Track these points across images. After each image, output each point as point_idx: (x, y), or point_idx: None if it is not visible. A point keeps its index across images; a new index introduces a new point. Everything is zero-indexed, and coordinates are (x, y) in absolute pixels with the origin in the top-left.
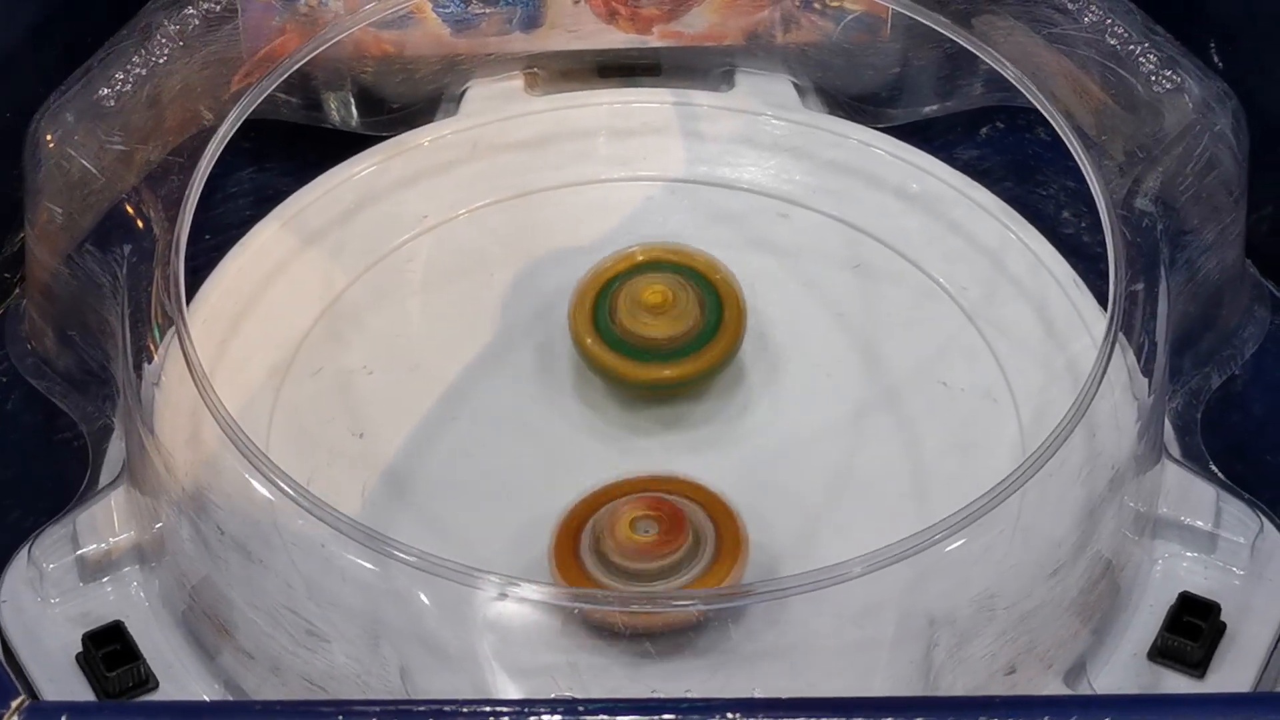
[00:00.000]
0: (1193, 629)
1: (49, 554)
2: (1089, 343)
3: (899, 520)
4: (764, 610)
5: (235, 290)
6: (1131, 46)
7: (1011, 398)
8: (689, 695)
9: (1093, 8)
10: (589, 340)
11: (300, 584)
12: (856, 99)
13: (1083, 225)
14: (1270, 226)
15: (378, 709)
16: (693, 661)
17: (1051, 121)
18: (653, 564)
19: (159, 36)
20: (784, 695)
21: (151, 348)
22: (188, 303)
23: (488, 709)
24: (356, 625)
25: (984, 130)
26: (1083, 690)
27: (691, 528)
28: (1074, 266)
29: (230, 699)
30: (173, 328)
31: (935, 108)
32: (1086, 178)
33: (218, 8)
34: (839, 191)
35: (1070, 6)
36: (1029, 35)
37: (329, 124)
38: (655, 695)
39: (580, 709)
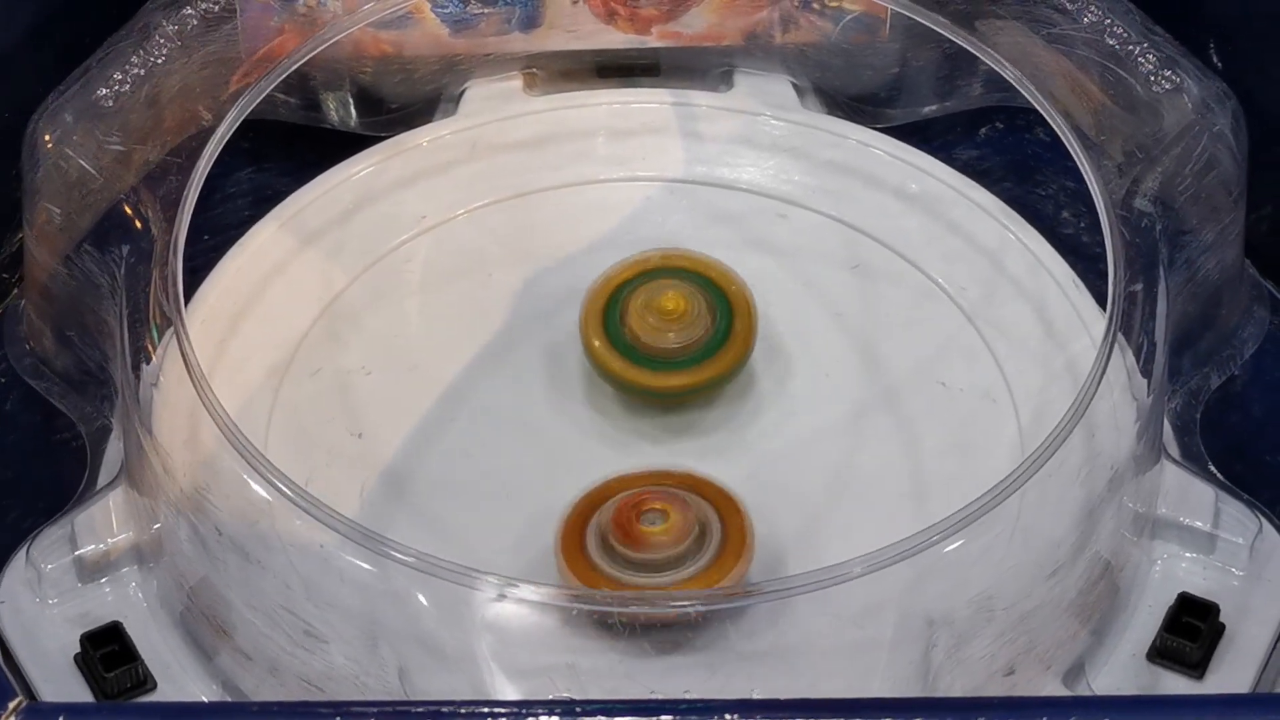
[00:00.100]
0: (1191, 630)
1: (47, 554)
2: (1088, 343)
3: (898, 520)
4: (763, 610)
5: (234, 290)
6: (1131, 47)
7: (1010, 398)
8: (687, 696)
9: (1092, 8)
10: (597, 343)
11: (298, 585)
12: (855, 99)
13: (1082, 225)
14: (1269, 226)
15: (375, 710)
16: (691, 662)
17: (1050, 122)
18: (659, 555)
19: (157, 37)
20: (782, 696)
21: (150, 348)
22: (186, 303)
23: (485, 710)
24: (354, 626)
25: (983, 130)
26: (1081, 691)
27: (698, 520)
28: (1073, 267)
29: (228, 700)
30: (171, 328)
31: (934, 108)
32: (1085, 178)
33: (216, 8)
34: (838, 192)
35: (1069, 7)
36: (1028, 35)
37: (327, 124)
38: (653, 696)
39: (578, 710)
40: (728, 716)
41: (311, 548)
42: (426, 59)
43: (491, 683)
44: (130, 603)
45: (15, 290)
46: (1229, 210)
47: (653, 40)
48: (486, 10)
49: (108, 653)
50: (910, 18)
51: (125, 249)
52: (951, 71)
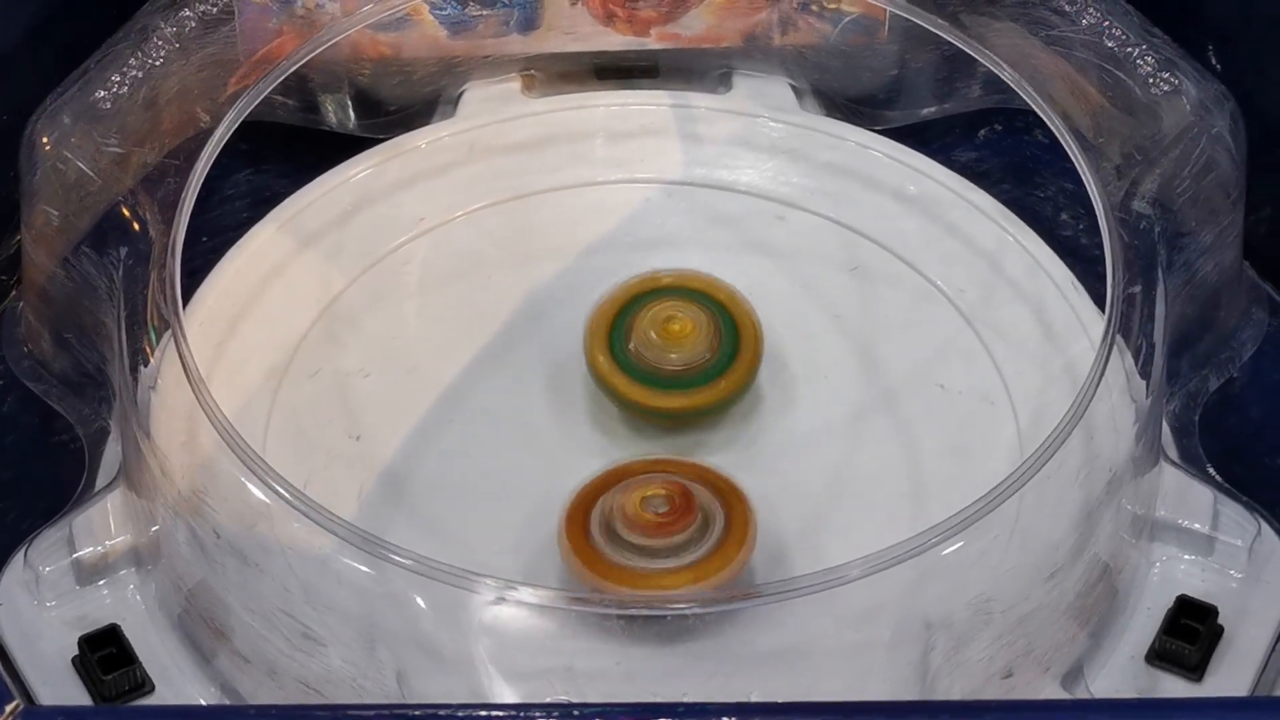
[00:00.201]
0: (1190, 632)
1: (45, 556)
2: (1087, 345)
3: (897, 522)
4: (761, 613)
5: (232, 292)
6: (1129, 49)
7: (1009, 400)
8: (685, 699)
9: (1090, 10)
10: (601, 364)
11: (296, 587)
12: (854, 101)
13: (1081, 227)
14: (1268, 228)
15: (373, 713)
16: (689, 664)
17: (1049, 124)
18: (662, 541)
19: (155, 39)
20: (781, 698)
21: (147, 350)
22: (184, 305)
23: (483, 713)
24: (352, 629)
25: (982, 132)
26: (1080, 694)
27: (702, 508)
28: (1072, 269)
29: (226, 703)
30: (169, 330)
31: (933, 110)
32: (1084, 180)
33: (214, 10)
34: (836, 194)
35: (1068, 9)
36: (1026, 37)
37: (326, 126)
38: (651, 699)
39: (575, 713)
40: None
41: (310, 550)
42: (425, 61)
43: (489, 685)
44: (128, 605)
45: (13, 292)
46: (1227, 212)
47: (651, 42)
48: (485, 12)
49: (106, 655)
50: (909, 20)
51: (123, 251)
52: (950, 73)
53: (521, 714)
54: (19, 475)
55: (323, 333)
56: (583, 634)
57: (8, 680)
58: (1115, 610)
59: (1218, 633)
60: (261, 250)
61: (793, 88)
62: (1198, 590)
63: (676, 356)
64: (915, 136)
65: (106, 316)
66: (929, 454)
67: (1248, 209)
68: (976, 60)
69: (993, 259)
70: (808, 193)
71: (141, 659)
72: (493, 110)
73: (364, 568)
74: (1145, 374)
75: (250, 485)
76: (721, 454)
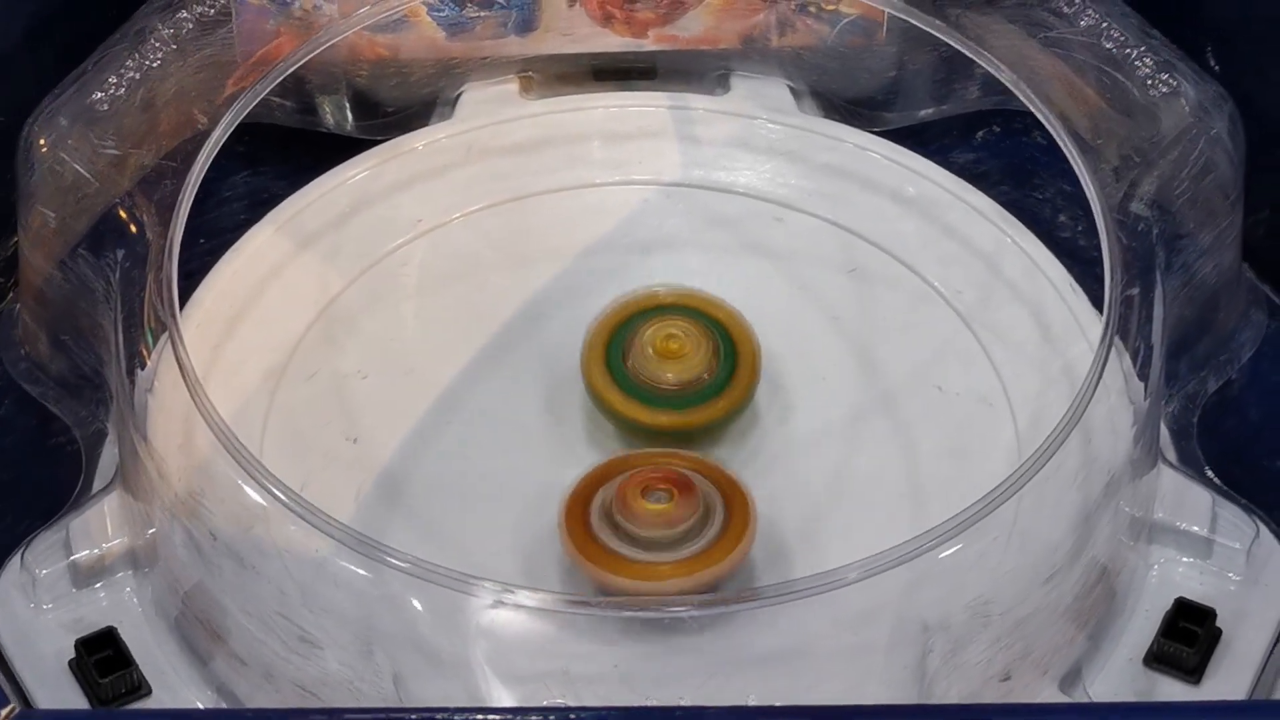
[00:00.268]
0: (1188, 635)
1: (42, 559)
2: (1085, 347)
3: (895, 524)
4: (759, 615)
5: (230, 294)
6: (1128, 50)
7: (1007, 402)
8: (682, 702)
9: (1089, 11)
10: (598, 381)
11: (293, 590)
12: (852, 102)
13: (1079, 229)
14: (1267, 230)
15: (370, 717)
16: (686, 666)
17: (1047, 125)
18: (661, 533)
19: (152, 40)
20: (778, 701)
21: (144, 353)
22: (182, 306)
23: (480, 717)
24: (349, 631)
25: (980, 134)
26: (1078, 696)
27: (702, 500)
28: (1070, 270)
29: (223, 706)
30: (166, 333)
31: (931, 111)
32: (1082, 182)
33: (212, 11)
34: (834, 195)
35: (1066, 10)
36: (1025, 39)
37: (323, 128)
38: (648, 702)
39: (572, 716)
40: None
41: (306, 553)
42: (422, 62)
43: (486, 688)
44: (125, 608)
45: (10, 294)
46: (1226, 214)
47: (649, 43)
48: (482, 14)
49: (102, 658)
50: (907, 21)
51: (120, 253)
52: (948, 75)
53: (518, 717)
54: (16, 477)
55: (320, 334)
56: (580, 637)
57: (4, 683)
58: (1113, 613)
59: (1216, 635)
60: (259, 252)
61: (791, 89)
62: (1196, 593)
63: (674, 375)
64: (913, 138)
65: (103, 319)
66: (927, 455)
67: (1246, 211)
68: (975, 62)
69: (991, 260)
70: (806, 194)
71: (138, 662)
72: (490, 112)
73: (361, 570)
74: (1144, 376)
75: (247, 488)
76: (720, 456)
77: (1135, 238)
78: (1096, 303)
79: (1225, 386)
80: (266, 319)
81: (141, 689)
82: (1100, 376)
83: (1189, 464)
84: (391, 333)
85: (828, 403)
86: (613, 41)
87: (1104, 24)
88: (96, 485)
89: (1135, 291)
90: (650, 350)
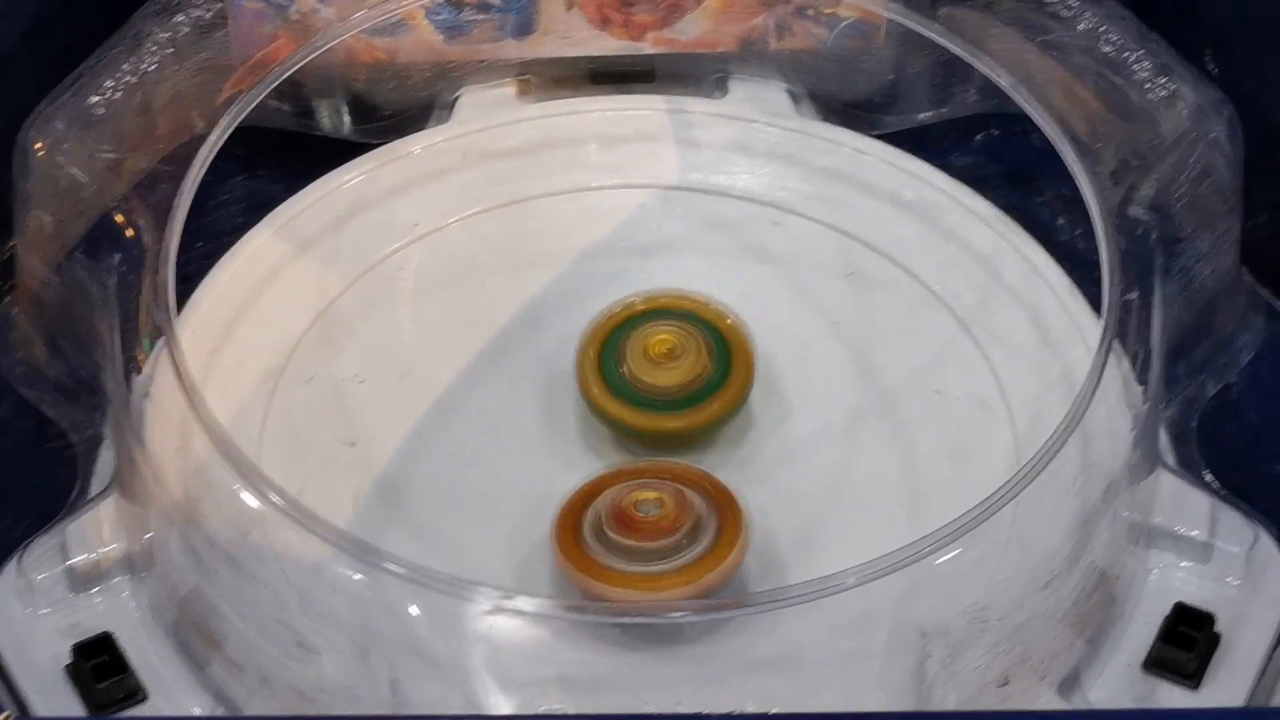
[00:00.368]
0: (1187, 639)
1: (38, 564)
2: (1084, 351)
3: (893, 528)
4: (756, 621)
5: (227, 298)
6: (1126, 54)
7: (1006, 406)
8: (680, 708)
9: (1087, 15)
10: (593, 386)
11: (290, 595)
12: (850, 106)
13: (1078, 232)
14: (1266, 234)
15: None
16: (684, 673)
17: (1044, 129)
18: (653, 543)
19: (149, 44)
20: (776, 707)
21: (141, 358)
22: (179, 311)
23: None
24: (346, 637)
25: (979, 137)
26: (1077, 701)
27: (693, 511)
28: (1069, 274)
29: (220, 712)
30: (163, 337)
31: (929, 114)
32: (1080, 185)
33: (208, 15)
34: (833, 199)
35: (1064, 14)
36: (1023, 42)
37: (321, 131)
38: (645, 709)
39: None
40: None
41: (303, 558)
42: (420, 66)
43: (484, 694)
44: (122, 613)
45: (7, 298)
46: (1225, 218)
47: (647, 47)
48: (480, 17)
49: (99, 663)
50: (905, 25)
51: (117, 257)
52: (947, 78)
53: None
54: (12, 482)
55: (317, 338)
56: (577, 643)
57: (0, 689)
58: (1112, 618)
59: (1215, 640)
60: (256, 256)
61: (789, 93)
62: (1195, 598)
63: (668, 379)
64: (912, 141)
65: (100, 323)
66: (925, 459)
67: (1245, 214)
68: (973, 65)
69: (989, 264)
70: (804, 198)
71: (135, 667)
72: (488, 115)
73: (358, 576)
74: (1142, 380)
75: (244, 493)
76: (717, 460)
77: (1134, 241)
78: (1095, 306)
79: (1224, 390)
80: (264, 323)
81: (138, 694)
82: (1099, 380)
83: (1188, 468)
84: (389, 336)
85: (826, 406)
86: (610, 45)
87: (1102, 27)
88: (93, 490)
89: (1134, 295)
90: (644, 355)
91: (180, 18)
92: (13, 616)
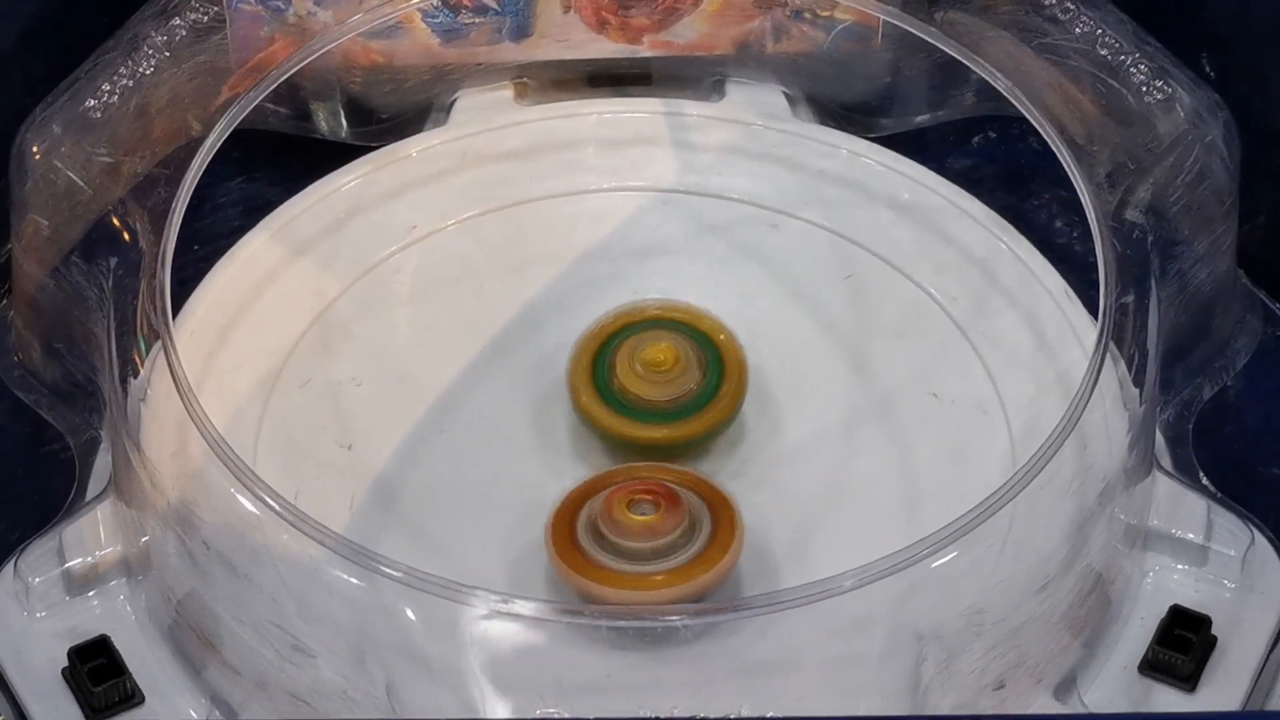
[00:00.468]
0: (1183, 642)
1: (35, 567)
2: (1080, 354)
3: (890, 532)
4: (752, 624)
5: (224, 301)
6: (1123, 57)
7: (1002, 409)
8: (675, 712)
9: (1084, 18)
10: (584, 397)
11: (286, 599)
12: (847, 109)
13: (1074, 235)
14: (1262, 236)
15: None
16: (680, 676)
17: (1041, 132)
18: (647, 544)
19: (146, 47)
20: (771, 711)
21: (137, 361)
22: (175, 314)
23: None
24: (343, 640)
25: (976, 140)
26: (1073, 704)
27: (688, 513)
28: (1066, 277)
29: (217, 715)
30: (159, 341)
31: (926, 117)
32: (1076, 188)
33: (205, 19)
34: (830, 202)
35: (1061, 17)
36: (1020, 45)
37: (318, 134)
38: (641, 713)
39: None
40: None
41: (300, 562)
42: (417, 69)
43: (479, 698)
44: (118, 616)
45: (3, 302)
46: (1221, 221)
47: (644, 49)
48: (477, 20)
49: (96, 667)
50: (902, 28)
51: (113, 261)
52: (944, 81)
53: None
54: (8, 485)
55: (314, 341)
56: (573, 646)
57: None
58: (1108, 620)
59: (1211, 643)
60: (253, 259)
61: (786, 95)
62: (1191, 600)
63: (660, 390)
64: (909, 144)
65: (97, 327)
66: (922, 463)
67: (1242, 217)
68: (970, 68)
69: (986, 267)
70: (801, 201)
71: (132, 670)
72: (485, 118)
73: (354, 579)
74: (1138, 383)
75: (240, 496)
76: (713, 464)
77: (1130, 244)
78: (1092, 309)
79: (1221, 393)
80: (260, 326)
81: (135, 698)
82: (1095, 383)
83: (1184, 471)
84: (386, 339)
85: (822, 409)
86: (607, 48)
87: (1099, 30)
88: (90, 493)
89: (1130, 298)
90: (635, 366)
91: (177, 21)
92: (9, 620)
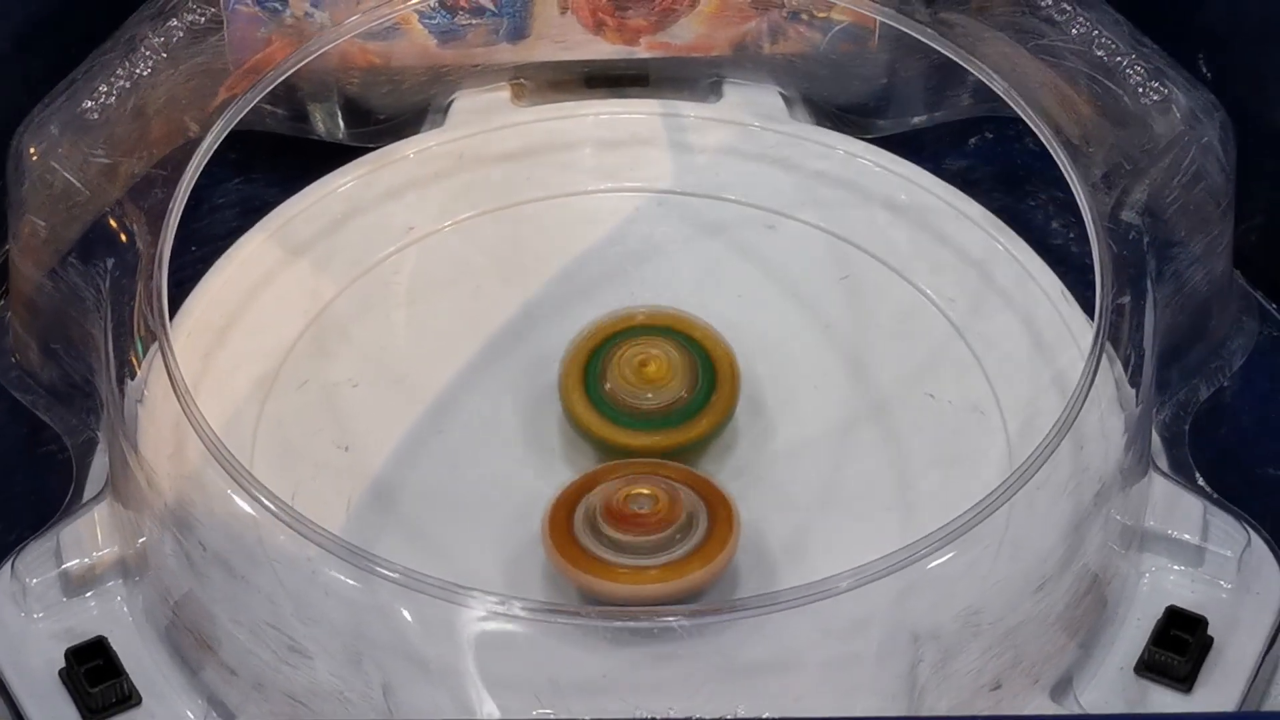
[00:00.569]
0: (1180, 643)
1: (32, 568)
2: (1076, 355)
3: (886, 532)
4: (748, 625)
5: (221, 302)
6: (1119, 58)
7: (999, 410)
8: (671, 712)
9: (1080, 19)
10: (576, 404)
11: (283, 600)
12: (844, 110)
13: (1071, 236)
14: (1259, 237)
15: None
16: (676, 676)
17: (1038, 133)
18: (645, 538)
19: (143, 49)
20: (768, 711)
21: (134, 362)
22: (172, 315)
23: None
24: (339, 641)
25: (972, 141)
26: (1069, 705)
27: (685, 508)
28: (1063, 278)
29: (213, 716)
30: (156, 342)
31: (923, 118)
32: (1073, 189)
33: (203, 20)
34: (826, 203)
35: (1058, 18)
36: (1016, 46)
37: (315, 135)
38: (637, 713)
39: None
40: None
41: (296, 563)
42: (414, 70)
43: (476, 698)
44: (115, 617)
45: (1, 303)
46: (1217, 221)
47: (641, 51)
48: (474, 21)
49: (93, 667)
50: (899, 29)
51: (110, 262)
52: (940, 82)
53: None
54: (6, 486)
55: (311, 343)
56: (569, 646)
57: None
58: (1104, 621)
59: (1207, 644)
60: (250, 260)
61: (783, 96)
62: (1187, 601)
63: (651, 398)
64: (905, 145)
65: (94, 327)
66: (918, 464)
67: (1238, 218)
68: (966, 69)
69: (983, 268)
70: (798, 202)
71: (129, 671)
72: (482, 119)
73: (351, 580)
74: (1135, 383)
75: (237, 497)
76: (711, 464)
77: (1126, 245)
78: (1088, 310)
79: (1217, 394)
80: (257, 327)
81: (132, 699)
82: (1091, 384)
83: (1180, 472)
84: (383, 341)
85: (819, 410)
86: (604, 49)
87: (1095, 31)
88: (87, 494)
89: (1126, 299)
90: (626, 373)
91: (174, 22)
92: (6, 621)
